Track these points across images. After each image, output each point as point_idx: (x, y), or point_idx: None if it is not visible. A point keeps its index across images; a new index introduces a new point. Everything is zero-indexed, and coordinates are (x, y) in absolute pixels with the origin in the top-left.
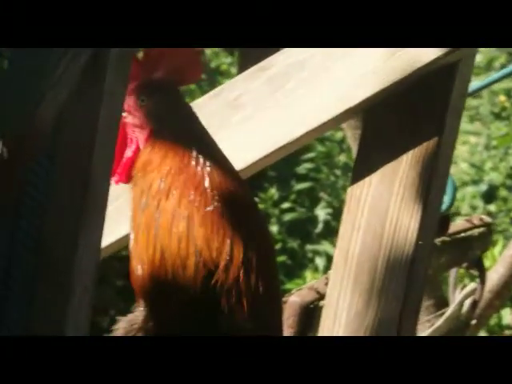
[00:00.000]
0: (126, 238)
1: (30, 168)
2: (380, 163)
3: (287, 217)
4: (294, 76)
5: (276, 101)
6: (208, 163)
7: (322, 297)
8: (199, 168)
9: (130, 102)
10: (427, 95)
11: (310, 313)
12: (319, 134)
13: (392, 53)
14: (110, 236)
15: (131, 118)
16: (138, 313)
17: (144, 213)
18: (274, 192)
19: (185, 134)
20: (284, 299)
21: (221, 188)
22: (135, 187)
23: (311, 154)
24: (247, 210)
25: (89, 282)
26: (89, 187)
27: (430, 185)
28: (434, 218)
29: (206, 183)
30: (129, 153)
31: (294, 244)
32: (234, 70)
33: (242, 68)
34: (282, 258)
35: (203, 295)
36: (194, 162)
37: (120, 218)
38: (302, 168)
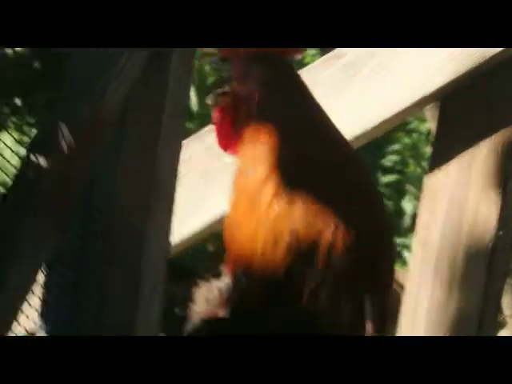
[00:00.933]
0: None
1: (97, 158)
2: (457, 152)
3: None
4: (366, 64)
5: (350, 88)
6: (319, 138)
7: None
8: (308, 142)
9: (238, 69)
10: (505, 82)
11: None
12: (396, 122)
13: None
14: (184, 228)
15: (239, 86)
16: (222, 283)
17: (248, 180)
18: None
19: (295, 105)
20: None
21: (331, 165)
22: (244, 151)
23: (397, 146)
24: (359, 189)
25: (158, 279)
26: (155, 176)
27: (509, 173)
28: None
29: (315, 158)
30: (237, 123)
31: None
32: None
33: None
34: None
35: (287, 279)
36: (303, 136)
37: (192, 211)
38: (388, 160)
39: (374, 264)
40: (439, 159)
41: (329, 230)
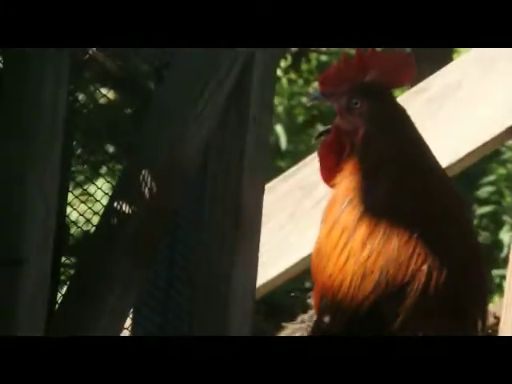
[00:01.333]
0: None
1: (180, 196)
2: None
3: None
4: (452, 96)
5: (436, 121)
6: (421, 176)
7: (499, 321)
8: (410, 180)
9: (342, 103)
10: None
11: None
12: (480, 156)
13: None
14: (273, 269)
15: (342, 121)
16: (307, 317)
17: (344, 211)
18: None
19: (400, 139)
20: None
21: (432, 207)
22: (341, 184)
23: (492, 177)
24: (458, 236)
25: (245, 319)
26: (240, 214)
27: None
28: None
29: (416, 198)
30: (340, 157)
31: None
32: None
33: None
34: None
35: (371, 316)
36: (405, 174)
37: (284, 250)
38: (484, 191)
39: (463, 311)
40: None
41: (421, 274)
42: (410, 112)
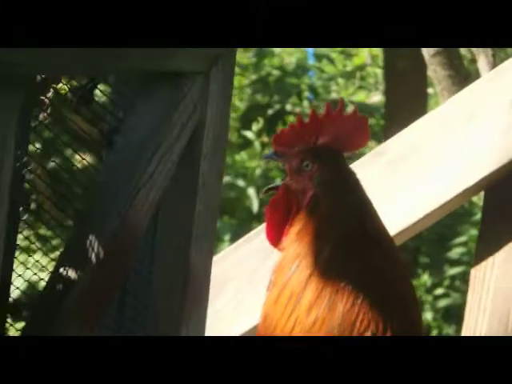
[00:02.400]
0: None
1: (129, 266)
2: (503, 241)
3: (441, 303)
4: (409, 159)
5: (395, 183)
6: (369, 244)
7: None
8: (358, 244)
9: (293, 164)
10: None
11: None
12: (440, 216)
13: (507, 130)
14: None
15: (293, 182)
16: None
17: (292, 277)
18: (426, 278)
19: (347, 204)
20: None
21: (377, 271)
22: (290, 248)
23: (463, 238)
24: (403, 298)
25: None
26: (190, 278)
27: None
28: None
29: (362, 263)
30: (287, 216)
31: (449, 330)
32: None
33: (388, 131)
34: None
35: None
36: (354, 237)
37: (239, 315)
38: (455, 253)
39: None
40: (484, 250)
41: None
42: (369, 175)
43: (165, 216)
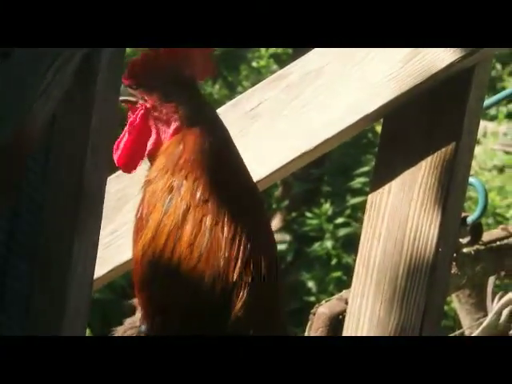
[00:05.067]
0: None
1: (24, 172)
2: (399, 170)
3: (342, 232)
4: (311, 84)
5: (294, 109)
6: (229, 175)
7: None
8: (224, 177)
9: (155, 96)
10: (444, 100)
11: (339, 323)
12: (338, 142)
13: (408, 59)
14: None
15: (156, 113)
16: (136, 317)
17: (168, 212)
18: (328, 207)
19: (211, 136)
20: (313, 310)
21: (238, 201)
22: (158, 181)
23: (366, 168)
24: (258, 223)
25: (83, 300)
26: (83, 192)
27: (449, 190)
28: (454, 225)
29: (230, 194)
30: (148, 144)
31: (349, 259)
32: None
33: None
34: (337, 274)
35: (205, 314)
36: (219, 171)
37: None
38: (357, 182)
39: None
40: (380, 177)
41: (248, 272)
42: (268, 100)
43: (59, 134)
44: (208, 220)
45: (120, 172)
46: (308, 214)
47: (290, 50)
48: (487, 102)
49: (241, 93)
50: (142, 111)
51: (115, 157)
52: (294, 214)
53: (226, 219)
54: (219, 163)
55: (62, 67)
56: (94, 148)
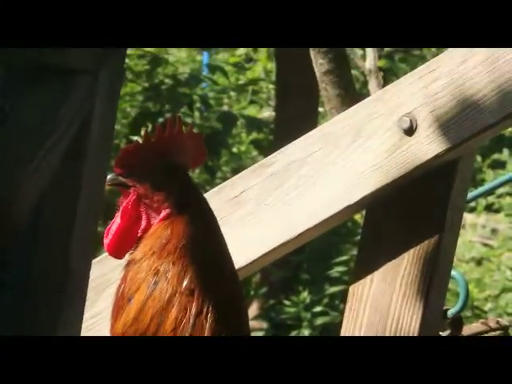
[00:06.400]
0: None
1: (8, 255)
2: (381, 261)
3: (319, 320)
4: (294, 173)
5: (277, 198)
6: (215, 265)
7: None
8: (207, 267)
9: (146, 185)
10: (428, 192)
11: None
12: (321, 231)
13: (393, 150)
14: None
15: (147, 200)
16: None
17: (153, 294)
18: (306, 295)
19: (199, 224)
20: None
21: (221, 291)
22: (143, 261)
23: (344, 257)
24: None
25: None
26: (68, 278)
27: (432, 283)
28: (436, 317)
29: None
30: (138, 231)
31: None
32: None
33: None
34: None
35: None
36: (205, 260)
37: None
38: (336, 271)
39: None
40: (362, 268)
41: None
42: (252, 187)
43: (46, 214)
44: (193, 307)
45: (102, 256)
46: (286, 302)
47: (270, 137)
48: (470, 195)
49: (221, 178)
50: (134, 197)
51: (105, 242)
52: (271, 302)
53: (210, 308)
54: (205, 252)
55: (50, 150)
56: (78, 234)
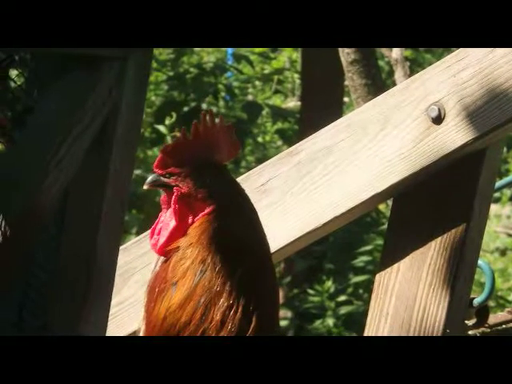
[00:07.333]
0: None
1: (36, 244)
2: (408, 250)
3: (343, 310)
4: (321, 162)
5: (303, 186)
6: (257, 261)
7: None
8: (250, 259)
9: (189, 183)
10: (455, 181)
11: None
12: (347, 220)
13: (420, 139)
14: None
15: (191, 198)
16: None
17: (200, 282)
18: (330, 284)
19: (244, 218)
20: None
21: (262, 287)
22: (190, 250)
23: (369, 247)
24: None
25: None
26: (94, 266)
27: (458, 272)
28: (462, 306)
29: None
30: (184, 229)
31: None
32: None
33: (302, 137)
34: None
35: None
36: (247, 253)
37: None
38: (360, 261)
39: None
40: (389, 257)
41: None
42: (278, 175)
43: (73, 201)
44: (241, 301)
45: (128, 244)
46: (310, 291)
47: (295, 127)
48: (498, 184)
49: (245, 167)
50: (178, 196)
51: (152, 242)
52: (295, 291)
53: (255, 303)
54: (249, 246)
55: (77, 138)
56: (106, 221)
